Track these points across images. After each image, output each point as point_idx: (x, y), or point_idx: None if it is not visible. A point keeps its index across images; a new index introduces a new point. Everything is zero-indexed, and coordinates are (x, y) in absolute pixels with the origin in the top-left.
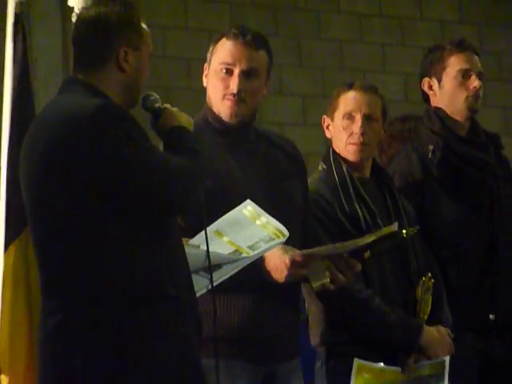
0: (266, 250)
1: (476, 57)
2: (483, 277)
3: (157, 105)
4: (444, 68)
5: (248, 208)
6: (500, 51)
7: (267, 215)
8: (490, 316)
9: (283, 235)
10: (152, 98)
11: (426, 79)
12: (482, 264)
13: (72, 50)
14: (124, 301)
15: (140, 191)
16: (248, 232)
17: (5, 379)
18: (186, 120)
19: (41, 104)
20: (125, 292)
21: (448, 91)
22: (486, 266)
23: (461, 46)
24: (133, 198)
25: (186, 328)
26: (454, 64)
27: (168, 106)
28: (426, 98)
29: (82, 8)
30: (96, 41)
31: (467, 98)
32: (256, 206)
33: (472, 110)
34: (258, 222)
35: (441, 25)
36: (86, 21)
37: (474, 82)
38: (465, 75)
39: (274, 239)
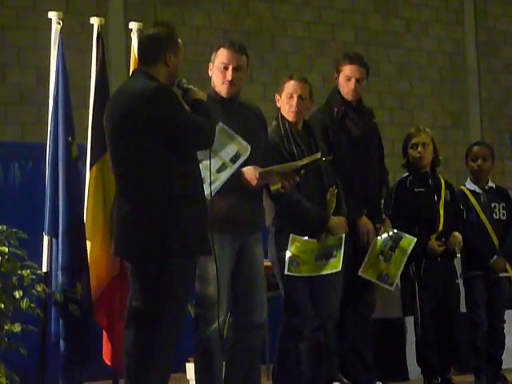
0: (239, 164)
1: (359, 67)
2: (358, 180)
3: (185, 86)
4: (341, 70)
5: (220, 129)
6: None
7: (235, 135)
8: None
9: (247, 149)
10: (182, 81)
11: (335, 74)
12: (357, 174)
13: (136, 53)
14: (165, 198)
15: (180, 134)
16: (226, 149)
17: (89, 243)
18: (202, 95)
19: (112, 86)
20: (165, 193)
21: (341, 83)
22: (360, 175)
23: (350, 60)
24: (175, 137)
25: (200, 213)
26: (344, 71)
27: (191, 86)
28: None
29: (143, 28)
30: (152, 49)
31: (349, 90)
32: (227, 129)
33: (350, 96)
34: (231, 142)
35: None
36: (146, 37)
37: (352, 83)
38: (348, 78)
39: (241, 155)
